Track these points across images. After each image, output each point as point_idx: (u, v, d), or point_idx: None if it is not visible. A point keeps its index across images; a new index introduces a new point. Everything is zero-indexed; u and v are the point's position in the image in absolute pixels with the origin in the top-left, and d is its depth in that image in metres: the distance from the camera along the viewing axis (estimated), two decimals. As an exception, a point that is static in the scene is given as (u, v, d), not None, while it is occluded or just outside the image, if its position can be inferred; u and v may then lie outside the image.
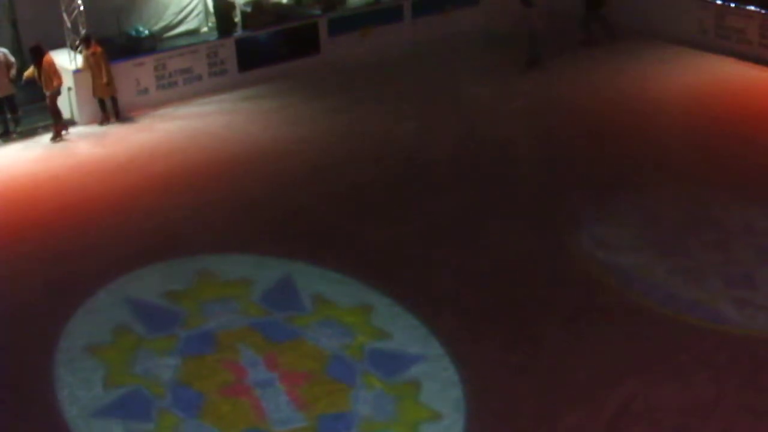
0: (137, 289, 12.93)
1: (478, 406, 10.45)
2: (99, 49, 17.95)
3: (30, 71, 17.86)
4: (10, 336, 11.99)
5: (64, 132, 17.90)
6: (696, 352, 11.21)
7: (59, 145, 17.66)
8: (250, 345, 11.59)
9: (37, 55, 17.61)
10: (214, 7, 21.04)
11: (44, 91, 17.66)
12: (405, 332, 11.66)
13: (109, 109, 18.42)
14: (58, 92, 17.73)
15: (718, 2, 20.96)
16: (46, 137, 17.90)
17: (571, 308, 12.18)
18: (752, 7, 20.49)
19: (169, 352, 11.64)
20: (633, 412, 10.26)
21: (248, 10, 20.76)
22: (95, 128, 18.37)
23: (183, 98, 19.38)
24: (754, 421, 10.12)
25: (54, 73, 17.55)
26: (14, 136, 17.94)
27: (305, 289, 12.58)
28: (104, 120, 18.40)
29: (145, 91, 19.16)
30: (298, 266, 13.03)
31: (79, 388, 11.07)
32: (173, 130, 18.16)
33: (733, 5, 20.83)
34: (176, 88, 19.46)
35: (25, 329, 12.05)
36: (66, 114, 18.49)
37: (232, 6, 20.89)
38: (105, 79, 17.98)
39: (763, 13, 20.26)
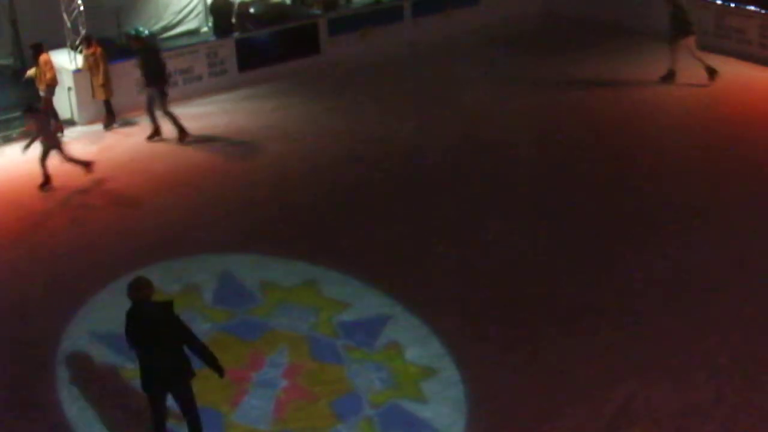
0: (238, 267, 13.07)
1: (478, 406, 10.45)
2: (99, 50, 17.90)
3: (33, 71, 17.82)
4: (11, 335, 11.99)
5: (59, 134, 17.80)
6: (696, 352, 11.22)
7: (59, 146, 17.65)
8: (290, 350, 11.35)
9: (35, 52, 17.61)
10: (211, 7, 21.03)
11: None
12: (444, 402, 10.51)
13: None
14: (52, 92, 17.67)
15: (718, 2, 20.98)
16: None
17: (571, 308, 12.18)
18: (752, 7, 20.51)
19: (212, 323, 11.68)
20: (633, 412, 10.26)
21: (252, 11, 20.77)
22: (95, 128, 18.38)
23: (183, 98, 19.37)
24: (754, 421, 10.11)
25: (48, 70, 17.41)
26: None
27: (389, 333, 11.72)
28: (108, 122, 18.33)
29: (145, 91, 19.14)
30: (402, 311, 12.09)
31: (102, 311, 11.03)
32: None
33: (733, 5, 20.84)
34: (176, 88, 19.43)
35: (26, 329, 12.03)
36: (66, 114, 18.49)
37: (231, 6, 20.88)
38: (101, 81, 17.93)
39: (763, 13, 20.28)
